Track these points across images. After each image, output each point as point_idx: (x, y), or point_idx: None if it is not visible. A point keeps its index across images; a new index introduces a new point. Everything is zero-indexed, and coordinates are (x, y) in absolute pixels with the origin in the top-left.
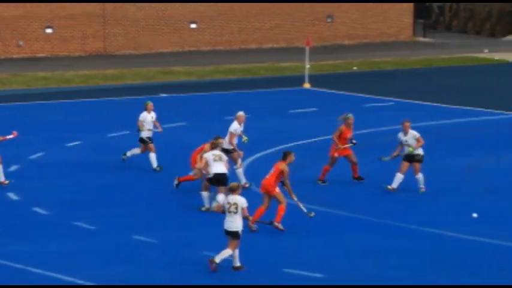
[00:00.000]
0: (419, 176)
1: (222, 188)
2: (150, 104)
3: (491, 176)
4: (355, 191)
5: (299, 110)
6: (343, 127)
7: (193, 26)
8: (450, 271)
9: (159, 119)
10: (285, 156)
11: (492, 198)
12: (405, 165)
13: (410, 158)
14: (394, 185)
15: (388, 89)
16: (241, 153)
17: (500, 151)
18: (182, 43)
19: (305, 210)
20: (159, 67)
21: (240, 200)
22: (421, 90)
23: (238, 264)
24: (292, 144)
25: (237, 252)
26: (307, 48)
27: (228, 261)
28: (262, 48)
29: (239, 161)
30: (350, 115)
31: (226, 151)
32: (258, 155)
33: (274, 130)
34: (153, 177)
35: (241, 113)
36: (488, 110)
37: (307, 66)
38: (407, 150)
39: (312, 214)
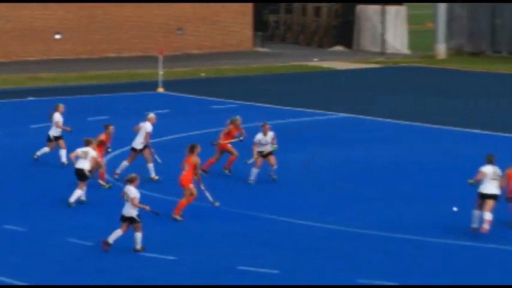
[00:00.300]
0: (276, 167)
1: (81, 183)
2: (62, 106)
3: (321, 170)
4: (218, 183)
5: (154, 112)
6: (231, 127)
7: (57, 36)
8: (280, 252)
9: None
10: (192, 149)
11: (319, 189)
12: (260, 160)
13: (267, 154)
14: (252, 177)
15: (232, 92)
16: (152, 150)
17: (329, 147)
18: (48, 52)
19: (211, 199)
20: (27, 73)
21: (131, 191)
22: (260, 93)
23: (138, 247)
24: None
25: (138, 235)
26: (160, 57)
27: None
28: (120, 56)
29: (150, 157)
30: (238, 117)
31: (134, 150)
32: (117, 152)
33: (132, 129)
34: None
35: (152, 115)
36: (319, 111)
37: (161, 72)
38: (271, 147)
39: (217, 204)
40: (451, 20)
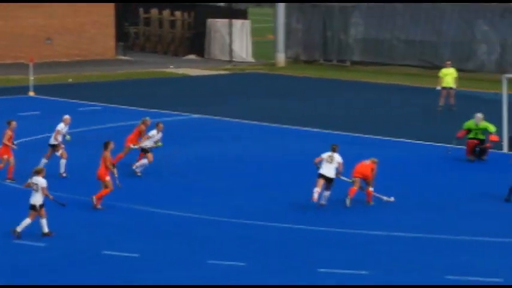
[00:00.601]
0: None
1: None
2: (68, 118)
3: (180, 165)
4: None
5: (25, 113)
6: (141, 126)
7: None
8: (142, 238)
9: None
10: (106, 145)
11: (179, 180)
12: (142, 155)
13: (147, 150)
14: (137, 168)
15: (96, 96)
16: (62, 146)
17: (185, 145)
18: None
19: (118, 182)
20: None
21: (41, 181)
22: (122, 97)
23: (46, 231)
24: (21, 140)
25: (44, 221)
26: (30, 64)
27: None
28: None
29: (64, 154)
30: (147, 118)
31: (53, 146)
32: None
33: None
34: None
35: (67, 116)
36: (175, 112)
37: (31, 78)
38: (155, 144)
39: (119, 184)
40: (289, 32)
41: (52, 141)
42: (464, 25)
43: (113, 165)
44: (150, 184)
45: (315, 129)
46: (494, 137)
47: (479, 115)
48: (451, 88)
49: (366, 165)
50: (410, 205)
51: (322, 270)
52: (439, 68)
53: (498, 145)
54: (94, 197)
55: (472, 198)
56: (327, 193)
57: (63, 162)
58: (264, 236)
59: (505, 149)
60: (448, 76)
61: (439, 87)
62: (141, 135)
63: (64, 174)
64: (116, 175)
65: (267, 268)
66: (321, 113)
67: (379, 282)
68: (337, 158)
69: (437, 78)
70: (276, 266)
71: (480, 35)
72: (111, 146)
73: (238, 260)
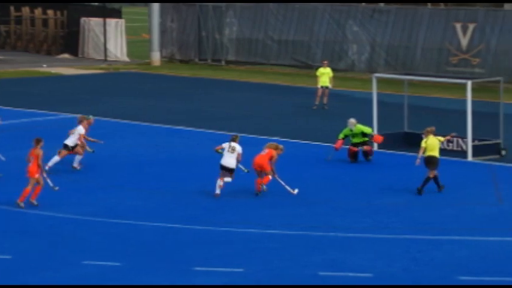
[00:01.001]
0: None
1: None
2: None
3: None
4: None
5: None
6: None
7: None
8: (14, 239)
9: None
10: (37, 142)
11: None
12: (64, 153)
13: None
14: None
15: None
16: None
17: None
18: None
19: (51, 184)
20: None
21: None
22: None
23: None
24: None
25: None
26: None
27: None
28: None
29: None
30: (91, 116)
31: (66, 146)
32: None
33: None
34: None
35: (92, 118)
36: (49, 111)
37: None
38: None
39: (56, 188)
40: (163, 31)
41: (73, 143)
42: (336, 25)
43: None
44: (20, 184)
45: (188, 128)
46: (377, 138)
47: (352, 120)
48: (327, 87)
49: (263, 156)
50: (286, 202)
51: (198, 268)
52: (312, 67)
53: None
54: (30, 200)
55: (347, 195)
56: (228, 179)
57: (78, 157)
58: (139, 236)
59: (374, 147)
60: (325, 75)
61: (319, 86)
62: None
63: (79, 167)
64: (45, 174)
65: (142, 267)
66: (194, 112)
67: (254, 280)
68: (238, 148)
69: (310, 77)
70: (151, 265)
71: (351, 35)
72: (42, 143)
73: (113, 260)
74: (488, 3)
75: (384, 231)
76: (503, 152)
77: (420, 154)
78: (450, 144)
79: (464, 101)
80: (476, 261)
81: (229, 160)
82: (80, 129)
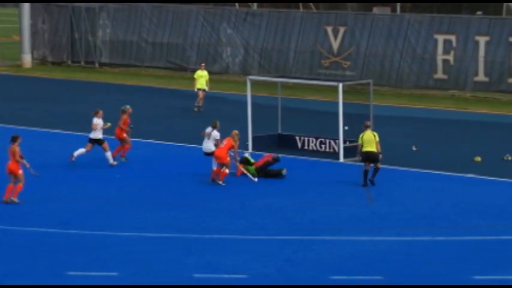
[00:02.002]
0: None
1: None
2: (101, 112)
3: None
4: None
5: None
6: (125, 116)
7: None
8: None
9: None
10: (14, 139)
11: None
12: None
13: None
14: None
15: None
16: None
17: None
18: None
19: (34, 172)
20: None
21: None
22: None
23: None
24: None
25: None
26: None
27: None
28: None
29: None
30: (128, 107)
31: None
32: None
33: None
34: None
35: (100, 111)
36: None
37: None
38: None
39: (37, 174)
40: (34, 33)
41: (98, 136)
42: (210, 28)
43: (21, 157)
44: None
45: (56, 131)
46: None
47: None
48: (204, 90)
49: (222, 148)
50: (160, 205)
51: (71, 273)
52: (187, 69)
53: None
54: (11, 198)
55: (221, 197)
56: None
57: (108, 154)
58: (12, 240)
59: (250, 149)
60: (202, 78)
61: (195, 89)
62: (125, 124)
63: (114, 163)
64: (28, 165)
65: (15, 272)
66: (68, 115)
67: (128, 283)
68: (214, 134)
69: (184, 79)
70: (25, 269)
71: (225, 38)
72: (19, 140)
73: None
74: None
75: (258, 232)
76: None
77: (359, 150)
78: (323, 145)
79: (336, 103)
80: (348, 261)
81: (206, 145)
82: None
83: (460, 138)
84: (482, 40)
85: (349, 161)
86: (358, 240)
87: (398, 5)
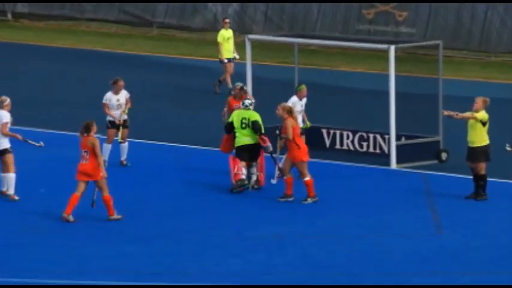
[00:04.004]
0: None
1: None
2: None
3: None
4: None
5: None
6: (230, 98)
7: None
8: None
9: None
10: (88, 128)
11: None
12: None
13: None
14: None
15: None
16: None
17: None
18: None
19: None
20: None
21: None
22: None
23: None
24: None
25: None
26: None
27: None
28: None
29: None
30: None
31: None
32: None
33: None
34: None
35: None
36: None
37: None
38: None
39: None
40: None
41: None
42: None
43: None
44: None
45: None
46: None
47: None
48: (233, 59)
49: None
50: None
51: None
52: (152, 25)
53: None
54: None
55: (201, 225)
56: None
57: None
58: None
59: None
60: (230, 41)
61: (224, 59)
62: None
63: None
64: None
65: None
66: None
67: None
68: None
69: (147, 40)
70: None
71: None
72: (95, 128)
73: None
74: None
75: (262, 279)
76: (444, 156)
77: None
78: (364, 143)
79: (386, 77)
80: None
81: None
82: None
83: None
84: None
85: (406, 167)
86: None
87: None
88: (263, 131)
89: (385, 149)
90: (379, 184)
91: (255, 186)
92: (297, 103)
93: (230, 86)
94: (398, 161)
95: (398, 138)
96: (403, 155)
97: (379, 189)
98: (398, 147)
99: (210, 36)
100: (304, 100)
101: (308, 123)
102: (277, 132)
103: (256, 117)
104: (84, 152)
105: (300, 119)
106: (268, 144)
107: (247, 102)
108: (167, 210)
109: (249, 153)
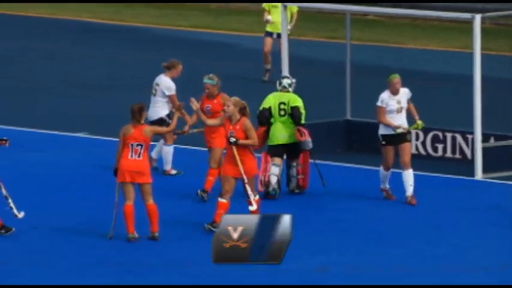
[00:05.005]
0: None
1: None
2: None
3: None
4: None
5: None
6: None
7: None
8: None
9: None
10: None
11: None
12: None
13: None
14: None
15: None
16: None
17: None
18: None
19: None
20: None
21: None
22: None
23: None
24: None
25: None
26: None
27: None
28: None
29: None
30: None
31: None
32: None
33: None
34: None
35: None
36: None
37: None
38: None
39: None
40: None
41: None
42: None
43: None
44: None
45: None
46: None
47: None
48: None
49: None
50: None
51: None
52: None
53: None
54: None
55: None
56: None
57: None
58: None
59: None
60: (277, 11)
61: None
62: None
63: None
64: None
65: None
66: None
67: None
68: None
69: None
70: None
71: None
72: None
73: None
74: None
75: None
76: None
77: None
78: (438, 145)
79: (468, 57)
80: None
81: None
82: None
83: None
84: None
85: (495, 177)
86: None
87: None
88: (303, 121)
89: (468, 153)
90: (460, 201)
91: (296, 191)
92: (389, 100)
93: (267, 66)
94: (485, 170)
95: (485, 139)
96: (492, 161)
97: (460, 208)
98: (485, 150)
99: (232, 5)
100: (403, 93)
101: (419, 123)
102: (232, 138)
103: (298, 102)
104: (138, 145)
105: (400, 119)
106: (308, 138)
107: (285, 82)
108: None
109: (287, 150)
